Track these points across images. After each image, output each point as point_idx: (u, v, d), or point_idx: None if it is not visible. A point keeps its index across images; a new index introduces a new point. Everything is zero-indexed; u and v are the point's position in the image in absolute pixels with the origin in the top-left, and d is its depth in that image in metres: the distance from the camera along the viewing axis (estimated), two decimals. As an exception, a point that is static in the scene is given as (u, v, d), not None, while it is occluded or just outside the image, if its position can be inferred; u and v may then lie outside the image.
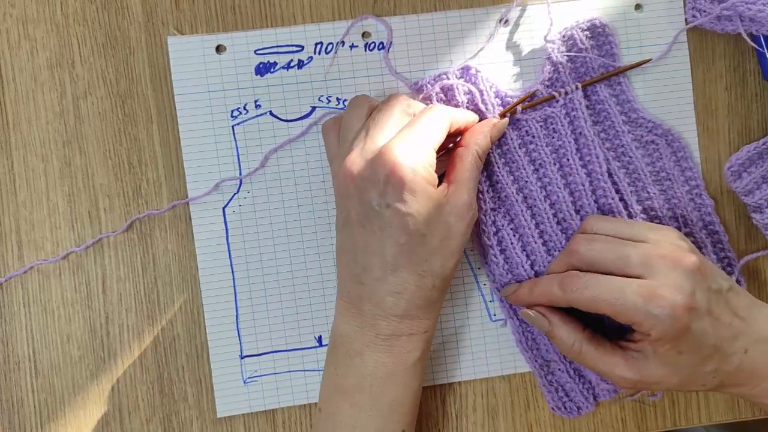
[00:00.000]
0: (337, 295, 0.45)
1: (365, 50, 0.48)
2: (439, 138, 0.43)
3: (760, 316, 0.43)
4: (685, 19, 0.49)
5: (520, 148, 0.48)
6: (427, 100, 0.47)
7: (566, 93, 0.47)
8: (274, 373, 0.49)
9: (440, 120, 0.43)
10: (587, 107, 0.48)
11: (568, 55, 0.48)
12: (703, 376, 0.42)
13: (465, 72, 0.48)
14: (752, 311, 0.43)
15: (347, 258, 0.43)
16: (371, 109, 0.44)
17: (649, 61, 0.48)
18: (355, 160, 0.41)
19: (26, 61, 0.47)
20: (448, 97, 0.47)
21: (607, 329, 0.46)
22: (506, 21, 0.48)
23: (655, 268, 0.41)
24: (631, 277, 0.41)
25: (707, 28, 0.48)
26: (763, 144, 0.48)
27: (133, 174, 0.48)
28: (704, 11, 0.48)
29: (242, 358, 0.48)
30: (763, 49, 0.48)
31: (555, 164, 0.48)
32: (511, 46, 0.49)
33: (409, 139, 0.42)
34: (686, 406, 0.50)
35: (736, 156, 0.49)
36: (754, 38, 0.48)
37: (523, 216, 0.48)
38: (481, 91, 0.47)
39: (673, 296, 0.40)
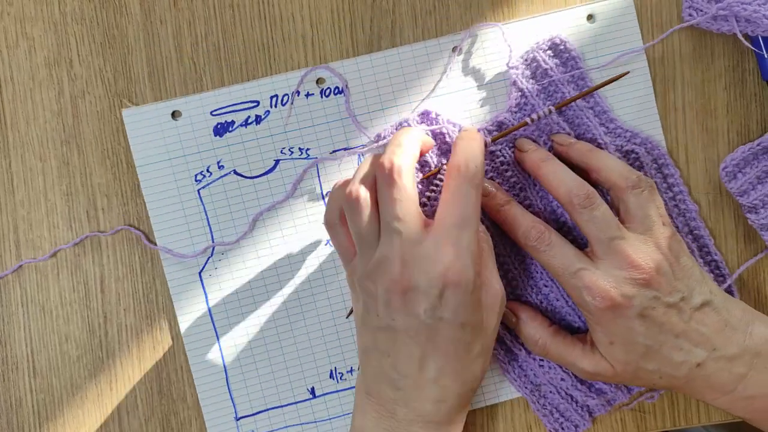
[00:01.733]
0: (361, 391, 0.44)
1: (321, 97, 0.48)
2: (478, 214, 0.41)
3: (730, 336, 0.44)
4: (681, 17, 0.50)
5: (494, 179, 0.48)
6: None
7: (539, 117, 0.47)
8: (271, 431, 0.49)
9: (475, 195, 0.41)
10: (565, 122, 0.49)
11: (533, 80, 0.48)
12: (649, 375, 0.44)
13: (425, 117, 0.48)
14: (722, 330, 0.44)
15: (383, 362, 0.42)
16: (371, 190, 0.42)
17: (627, 74, 0.49)
18: (401, 271, 0.40)
19: (24, 59, 0.48)
20: None
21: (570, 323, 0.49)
22: (460, 50, 0.49)
23: (612, 260, 0.43)
24: (594, 249, 0.44)
25: (703, 27, 0.49)
26: (758, 145, 0.49)
27: (131, 173, 0.48)
28: (701, 10, 0.48)
29: (237, 419, 0.49)
30: (762, 51, 0.49)
31: (534, 186, 0.48)
32: (469, 73, 0.49)
33: (455, 236, 0.40)
34: (686, 407, 0.51)
35: (730, 156, 0.50)
36: (753, 39, 0.49)
37: (503, 245, 0.49)
38: (443, 134, 0.48)
39: (603, 290, 0.43)
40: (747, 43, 0.48)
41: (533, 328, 0.47)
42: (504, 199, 0.46)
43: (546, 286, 0.49)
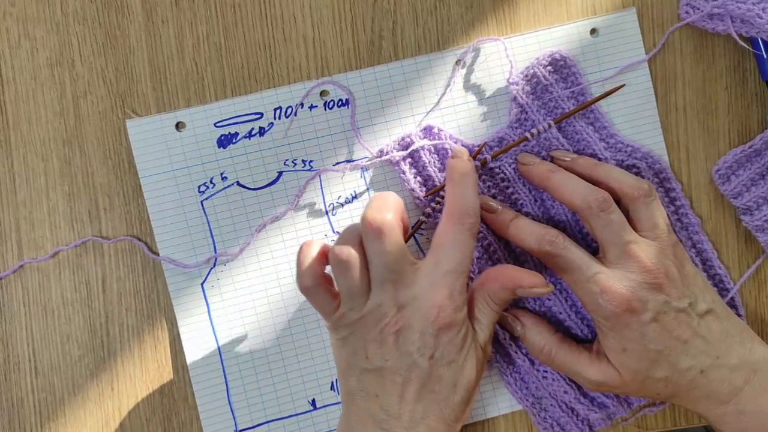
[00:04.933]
0: (347, 426, 0.45)
1: (325, 109, 0.50)
2: (471, 258, 0.43)
3: (731, 346, 0.45)
4: (678, 15, 0.51)
5: (497, 196, 0.49)
6: (394, 165, 0.49)
7: (539, 132, 0.49)
8: None
9: (471, 241, 0.43)
10: (564, 137, 0.50)
11: (533, 96, 0.50)
12: (656, 383, 0.45)
13: (428, 132, 0.50)
14: (724, 339, 0.45)
15: (370, 403, 0.43)
16: (357, 248, 0.43)
17: (622, 86, 0.50)
18: (397, 314, 0.42)
19: (26, 60, 0.49)
20: (414, 158, 0.49)
21: (575, 333, 0.50)
22: (464, 63, 0.50)
23: (626, 264, 0.44)
24: (607, 254, 0.45)
25: (699, 26, 0.50)
26: (750, 147, 0.50)
27: (133, 173, 0.49)
28: (697, 8, 0.49)
29: (238, 432, 0.50)
30: (761, 52, 0.50)
31: (536, 201, 0.49)
32: (472, 87, 0.50)
33: (451, 280, 0.42)
34: (686, 406, 0.52)
35: (723, 159, 0.51)
36: (752, 40, 0.50)
37: (506, 260, 0.50)
38: (445, 149, 0.49)
39: (620, 294, 0.44)
40: (743, 44, 0.49)
41: (538, 335, 0.48)
42: (512, 215, 0.47)
43: (549, 299, 0.49)
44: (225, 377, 0.50)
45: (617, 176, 0.47)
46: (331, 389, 0.50)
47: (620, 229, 0.45)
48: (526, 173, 0.48)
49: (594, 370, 0.46)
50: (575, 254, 0.45)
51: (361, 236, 0.43)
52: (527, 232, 0.46)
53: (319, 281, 0.44)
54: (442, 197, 0.48)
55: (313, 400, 0.50)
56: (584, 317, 0.50)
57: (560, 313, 0.49)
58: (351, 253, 0.42)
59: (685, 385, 0.45)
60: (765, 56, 0.49)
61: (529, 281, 0.44)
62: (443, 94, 0.50)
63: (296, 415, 0.50)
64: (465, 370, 0.44)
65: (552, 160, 0.49)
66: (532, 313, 0.49)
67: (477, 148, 0.49)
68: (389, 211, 0.43)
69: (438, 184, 0.49)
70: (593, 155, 0.49)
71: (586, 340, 0.50)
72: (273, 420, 0.50)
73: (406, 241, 0.49)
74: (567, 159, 0.48)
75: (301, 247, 0.44)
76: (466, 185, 0.44)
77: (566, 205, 0.47)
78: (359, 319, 0.43)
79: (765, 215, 0.50)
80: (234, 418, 0.50)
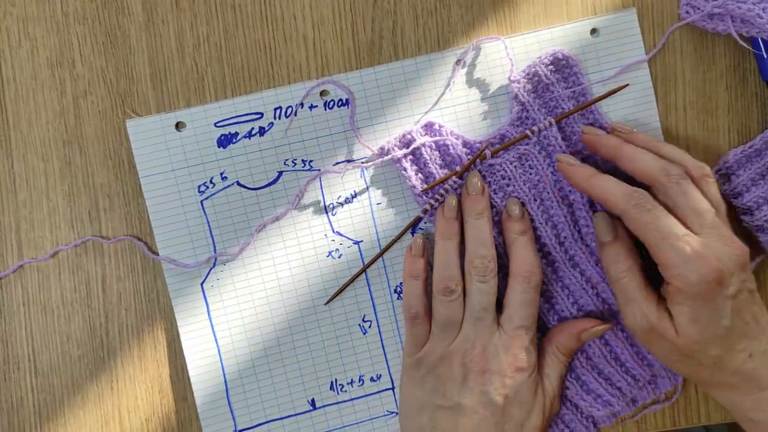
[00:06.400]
0: None
1: (325, 109, 0.50)
2: (537, 312, 0.48)
3: None
4: (678, 15, 0.51)
5: (497, 192, 0.49)
6: (395, 162, 0.50)
7: (539, 130, 0.49)
8: None
9: (537, 298, 0.48)
10: (563, 139, 0.50)
11: (534, 94, 0.50)
12: (705, 358, 0.44)
13: (428, 128, 0.50)
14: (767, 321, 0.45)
15: None
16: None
17: (626, 86, 0.50)
18: (481, 354, 0.46)
19: (26, 59, 0.49)
20: (415, 156, 0.49)
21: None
22: (464, 63, 0.50)
23: (712, 236, 0.43)
24: (688, 227, 0.44)
25: (699, 26, 0.50)
26: (750, 147, 0.50)
27: (133, 173, 0.49)
28: (697, 8, 0.50)
29: (237, 432, 0.50)
30: (761, 52, 0.50)
31: (535, 200, 0.49)
32: (473, 86, 0.50)
33: (522, 334, 0.47)
34: (686, 406, 0.52)
35: (723, 159, 0.51)
36: (752, 40, 0.50)
37: (506, 258, 0.49)
38: (447, 145, 0.49)
39: (714, 263, 0.42)
40: (743, 43, 0.49)
41: (626, 251, 0.46)
42: (592, 170, 0.46)
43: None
44: (224, 377, 0.50)
45: (677, 155, 0.46)
46: (331, 389, 0.50)
47: (699, 198, 0.44)
48: (594, 143, 0.47)
49: (653, 312, 0.44)
50: (665, 213, 0.43)
51: (463, 272, 0.48)
52: (609, 188, 0.45)
53: (426, 311, 0.48)
54: (441, 195, 0.49)
55: (313, 400, 0.50)
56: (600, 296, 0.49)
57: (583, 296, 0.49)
58: (459, 282, 0.47)
59: (732, 369, 0.44)
60: (765, 56, 0.50)
61: (592, 323, 0.48)
62: (443, 93, 0.50)
63: (296, 415, 0.50)
64: (533, 414, 0.47)
65: (614, 132, 0.48)
66: (628, 235, 0.47)
67: (481, 147, 0.49)
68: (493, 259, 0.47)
69: (438, 179, 0.49)
70: (591, 156, 0.50)
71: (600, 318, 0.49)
72: (272, 420, 0.50)
73: (402, 233, 0.49)
74: (624, 131, 0.48)
75: (407, 278, 0.48)
76: (527, 247, 0.48)
77: (638, 175, 0.45)
78: (444, 355, 0.47)
79: (765, 215, 0.50)
80: (233, 418, 0.50)
